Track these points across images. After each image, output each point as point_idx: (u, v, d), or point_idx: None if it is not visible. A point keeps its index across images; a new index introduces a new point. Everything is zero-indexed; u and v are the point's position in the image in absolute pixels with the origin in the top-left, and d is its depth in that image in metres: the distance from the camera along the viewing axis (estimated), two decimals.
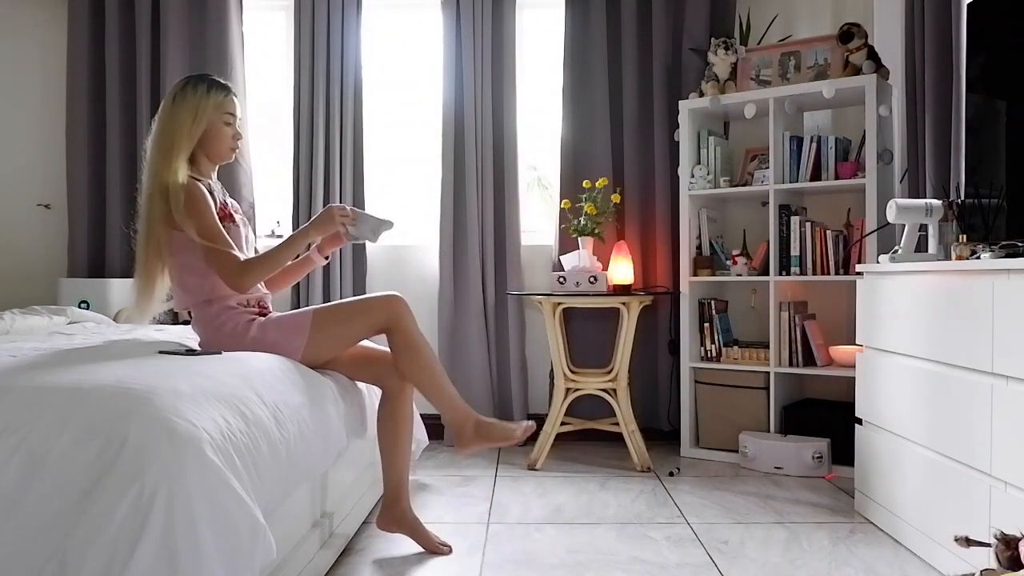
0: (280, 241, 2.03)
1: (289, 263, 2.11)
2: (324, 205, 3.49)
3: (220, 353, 1.83)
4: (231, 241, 1.96)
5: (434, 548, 2.13)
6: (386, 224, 2.17)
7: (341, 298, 3.49)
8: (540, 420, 3.26)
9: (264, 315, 2.07)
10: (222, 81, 2.06)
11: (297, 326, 1.99)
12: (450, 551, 2.14)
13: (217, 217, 1.95)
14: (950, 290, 1.95)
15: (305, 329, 1.98)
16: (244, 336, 1.96)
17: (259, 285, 2.11)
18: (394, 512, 2.15)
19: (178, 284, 1.99)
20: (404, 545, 2.20)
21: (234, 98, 2.06)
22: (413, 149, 3.81)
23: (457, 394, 2.12)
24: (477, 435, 2.08)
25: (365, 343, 2.24)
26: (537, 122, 3.71)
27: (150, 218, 1.92)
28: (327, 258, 2.30)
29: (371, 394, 2.30)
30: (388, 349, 2.17)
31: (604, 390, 3.11)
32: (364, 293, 3.55)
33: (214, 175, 2.10)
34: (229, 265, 1.92)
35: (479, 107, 3.49)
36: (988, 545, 1.45)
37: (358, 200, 3.54)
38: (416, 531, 2.15)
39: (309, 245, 2.20)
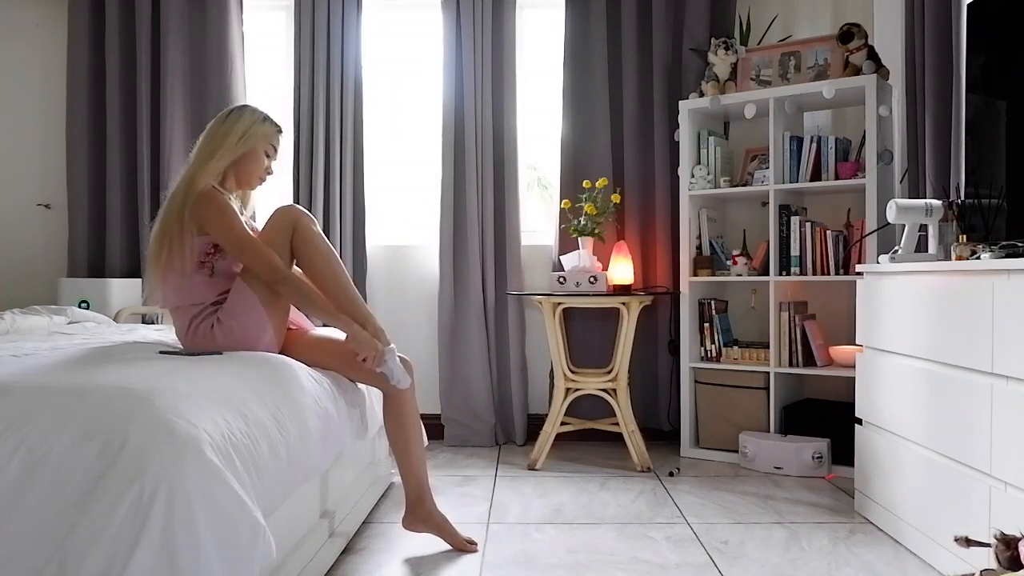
0: (331, 308, 2.00)
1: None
2: (324, 206, 3.50)
3: (220, 353, 1.84)
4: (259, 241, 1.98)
5: (461, 546, 2.16)
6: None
7: None
8: (540, 420, 3.27)
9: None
10: (274, 119, 2.13)
11: (244, 301, 1.96)
12: (476, 549, 2.16)
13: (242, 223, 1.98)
14: (950, 290, 1.95)
15: (251, 297, 1.96)
16: (215, 340, 1.96)
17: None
18: (419, 512, 2.17)
19: (167, 283, 1.99)
20: (404, 545, 2.20)
21: (281, 137, 2.14)
22: (413, 149, 3.81)
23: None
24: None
25: None
26: (537, 122, 3.70)
27: (167, 215, 1.97)
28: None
29: (371, 394, 2.30)
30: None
31: (604, 390, 3.11)
32: (364, 293, 3.55)
33: (234, 197, 2.11)
34: (269, 264, 1.93)
35: (479, 107, 3.49)
36: (988, 545, 1.45)
37: (358, 200, 3.53)
38: (444, 529, 2.17)
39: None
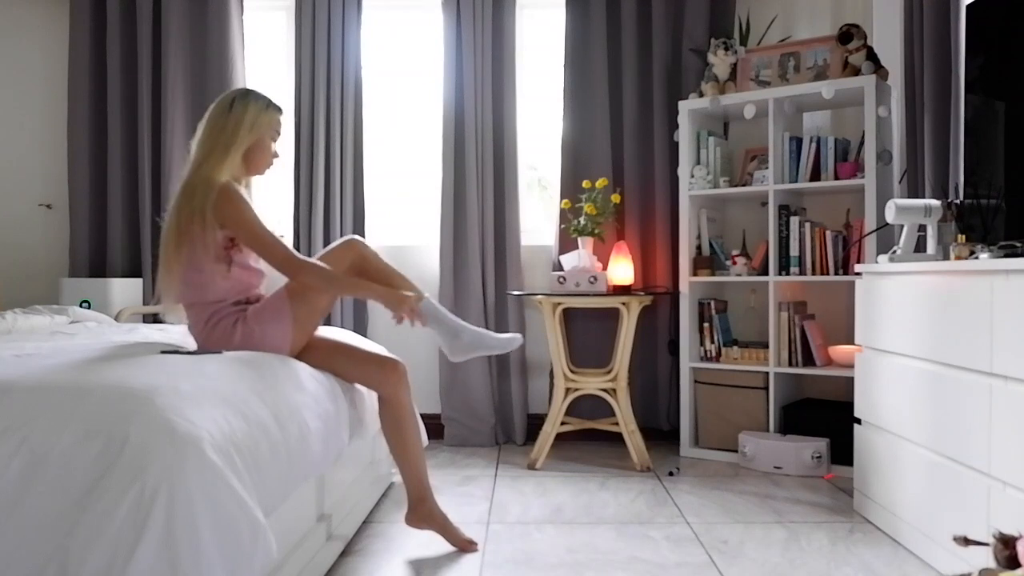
0: (352, 279, 2.16)
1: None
2: (325, 205, 3.50)
3: (221, 353, 1.84)
4: (276, 238, 2.03)
5: (462, 545, 2.17)
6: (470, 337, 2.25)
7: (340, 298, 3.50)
8: (540, 420, 3.28)
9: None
10: (275, 101, 2.13)
11: (277, 311, 2.02)
12: (477, 548, 2.17)
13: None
14: (949, 290, 1.96)
15: (285, 311, 2.01)
16: (232, 338, 1.98)
17: (258, 284, 2.13)
18: (421, 511, 2.19)
19: (183, 278, 2.00)
20: (404, 545, 2.21)
21: (281, 119, 2.15)
22: (413, 149, 3.81)
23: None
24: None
25: (357, 343, 2.25)
26: (537, 122, 3.71)
27: (184, 209, 1.95)
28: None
29: (371, 394, 2.31)
30: (377, 351, 2.24)
31: (604, 390, 3.11)
32: None
33: (243, 185, 2.13)
34: (284, 256, 2.00)
35: (479, 107, 3.50)
36: (986, 545, 1.46)
37: (358, 200, 3.54)
38: (445, 528, 2.19)
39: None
